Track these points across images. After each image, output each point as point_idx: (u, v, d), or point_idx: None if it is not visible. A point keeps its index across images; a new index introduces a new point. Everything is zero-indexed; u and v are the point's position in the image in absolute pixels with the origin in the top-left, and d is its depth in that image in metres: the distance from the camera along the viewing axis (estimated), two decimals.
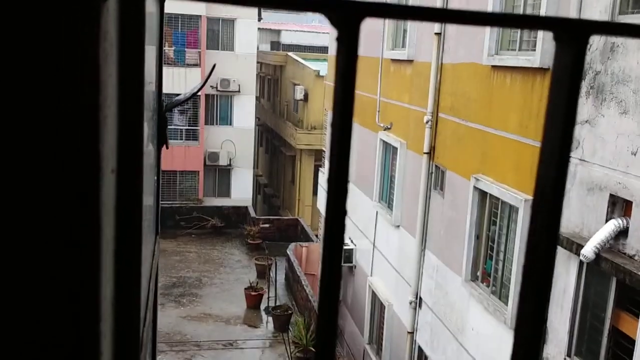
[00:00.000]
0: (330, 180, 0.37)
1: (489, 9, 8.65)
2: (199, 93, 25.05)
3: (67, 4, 0.41)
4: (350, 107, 0.39)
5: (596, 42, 6.50)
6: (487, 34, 8.70)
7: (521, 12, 8.16)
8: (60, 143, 0.44)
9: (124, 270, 0.62)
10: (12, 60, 0.41)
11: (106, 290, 0.49)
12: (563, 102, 0.39)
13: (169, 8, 26.11)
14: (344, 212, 0.42)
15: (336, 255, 0.43)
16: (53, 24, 0.41)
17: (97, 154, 0.44)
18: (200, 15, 25.20)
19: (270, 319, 16.98)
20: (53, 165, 0.44)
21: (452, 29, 10.07)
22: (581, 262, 6.47)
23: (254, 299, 17.75)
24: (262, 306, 17.82)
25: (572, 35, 0.39)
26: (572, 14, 6.84)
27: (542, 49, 7.38)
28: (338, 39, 0.37)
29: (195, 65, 25.39)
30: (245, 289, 18.02)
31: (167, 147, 1.73)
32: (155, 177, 1.65)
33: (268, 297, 17.63)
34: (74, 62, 0.42)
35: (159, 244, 1.86)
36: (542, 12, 7.40)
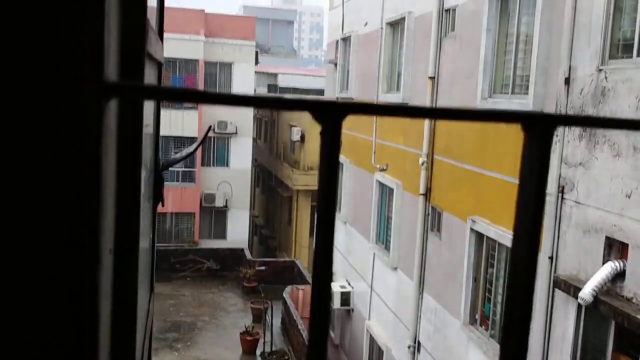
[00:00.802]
0: (315, 275, 0.39)
1: (481, 59, 8.82)
2: (196, 136, 25.23)
3: (71, 105, 0.44)
4: (334, 195, 0.41)
5: (587, 85, 6.63)
6: (480, 77, 8.86)
7: (512, 60, 8.32)
8: (60, 228, 0.46)
9: (120, 351, 0.63)
10: (19, 155, 0.44)
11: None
12: (532, 190, 0.42)
13: (167, 52, 26.36)
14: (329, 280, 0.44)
15: (325, 302, 0.45)
16: (56, 125, 0.44)
17: (96, 238, 0.46)
18: (198, 60, 25.59)
19: None
20: (54, 247, 0.47)
21: (445, 73, 10.25)
22: (579, 306, 6.43)
23: (249, 344, 17.48)
24: (258, 351, 17.53)
25: (539, 128, 0.42)
26: (563, 60, 6.99)
27: (534, 93, 7.51)
28: (322, 133, 0.40)
29: (193, 108, 25.65)
30: (240, 333, 17.76)
31: (162, 205, 1.76)
32: (151, 235, 1.67)
33: (264, 342, 17.37)
34: (75, 157, 0.45)
35: (153, 301, 1.86)
36: (534, 58, 7.55)
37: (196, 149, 2.74)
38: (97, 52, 0.44)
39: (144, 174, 1.15)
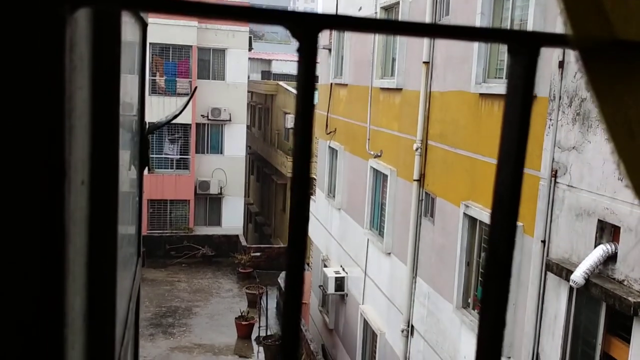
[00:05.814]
0: (293, 189, 0.38)
1: (475, 44, 8.78)
2: (190, 122, 25.13)
3: (28, 15, 0.42)
4: (311, 114, 0.40)
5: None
6: (475, 62, 8.83)
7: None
8: (22, 151, 0.45)
9: (98, 283, 0.62)
10: None
11: (75, 301, 0.49)
12: (517, 111, 0.41)
13: (160, 38, 26.11)
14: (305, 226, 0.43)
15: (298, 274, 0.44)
16: (11, 36, 0.42)
17: (62, 162, 0.45)
18: (192, 46, 25.43)
19: (262, 348, 16.77)
20: (15, 171, 0.45)
21: (440, 58, 10.21)
22: (571, 288, 6.47)
23: (245, 329, 17.55)
24: (254, 336, 17.62)
25: (524, 47, 0.41)
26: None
27: None
28: (298, 50, 0.38)
29: (187, 94, 25.52)
30: (236, 318, 17.83)
31: (149, 170, 1.74)
32: (138, 199, 1.65)
33: (259, 327, 17.45)
34: (35, 72, 0.43)
35: (140, 267, 1.84)
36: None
37: (181, 111, 2.73)
38: None
39: (129, 136, 1.13)
